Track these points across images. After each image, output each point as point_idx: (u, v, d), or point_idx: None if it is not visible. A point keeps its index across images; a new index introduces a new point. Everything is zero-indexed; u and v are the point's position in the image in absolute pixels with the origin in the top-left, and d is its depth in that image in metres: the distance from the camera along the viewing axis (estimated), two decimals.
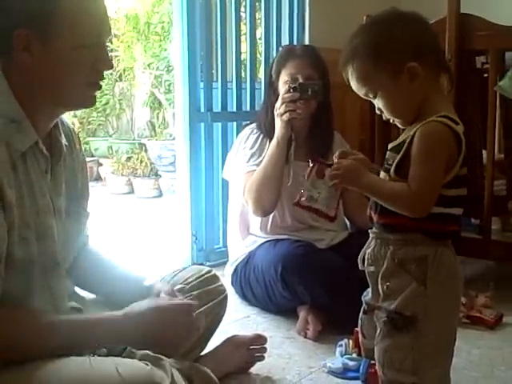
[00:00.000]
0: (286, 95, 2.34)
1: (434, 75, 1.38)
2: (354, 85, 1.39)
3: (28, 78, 1.26)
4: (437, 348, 1.38)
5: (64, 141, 1.39)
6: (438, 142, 1.30)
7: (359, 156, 1.46)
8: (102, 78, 1.33)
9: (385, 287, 1.40)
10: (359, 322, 1.50)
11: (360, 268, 1.46)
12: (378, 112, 1.41)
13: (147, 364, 1.30)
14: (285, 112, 2.34)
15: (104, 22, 1.30)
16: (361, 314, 1.49)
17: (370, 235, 1.44)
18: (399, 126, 1.42)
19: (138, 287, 1.55)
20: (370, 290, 1.47)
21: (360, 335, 1.52)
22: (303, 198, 1.62)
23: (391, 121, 1.42)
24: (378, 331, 1.40)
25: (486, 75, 2.82)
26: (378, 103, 1.38)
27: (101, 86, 1.35)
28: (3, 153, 1.20)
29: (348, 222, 2.71)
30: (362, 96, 1.40)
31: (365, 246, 1.46)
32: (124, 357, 1.43)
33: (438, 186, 1.31)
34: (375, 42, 1.35)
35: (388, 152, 1.40)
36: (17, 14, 1.22)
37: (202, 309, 1.72)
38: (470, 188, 1.40)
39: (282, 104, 2.34)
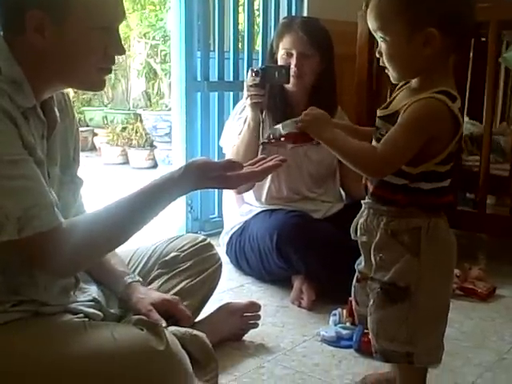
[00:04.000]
0: (248, 80, 2.33)
1: (449, 51, 1.33)
2: (369, 16, 1.33)
3: (38, 59, 1.25)
4: (430, 318, 1.38)
5: (57, 112, 1.38)
6: (427, 118, 1.28)
7: (321, 112, 1.42)
8: (113, 63, 1.33)
9: (378, 258, 1.40)
10: (352, 289, 1.51)
11: (352, 238, 1.46)
12: (377, 54, 1.36)
13: (142, 329, 1.31)
14: (247, 96, 2.33)
15: (118, 6, 1.30)
16: (354, 281, 1.50)
17: (363, 205, 1.44)
18: (391, 78, 1.37)
19: (117, 284, 1.57)
20: (362, 258, 1.47)
21: (353, 302, 1.52)
22: (266, 136, 1.53)
23: (386, 70, 1.37)
24: (372, 302, 1.41)
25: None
26: (383, 46, 1.33)
27: (111, 71, 1.34)
28: (9, 103, 1.19)
29: (343, 194, 2.71)
30: (371, 29, 1.35)
31: (357, 216, 1.45)
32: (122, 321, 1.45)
33: (405, 155, 1.29)
34: None
35: (378, 120, 1.38)
36: None
37: (196, 280, 1.74)
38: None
39: (245, 88, 2.34)
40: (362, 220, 1.43)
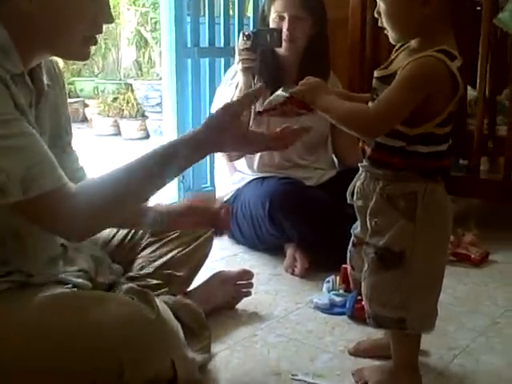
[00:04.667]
0: (239, 43, 2.28)
1: (447, 9, 1.31)
2: None
3: (24, 23, 1.20)
4: (424, 284, 1.37)
5: (46, 79, 1.34)
6: (424, 74, 1.25)
7: (316, 80, 1.40)
8: (101, 32, 1.29)
9: (373, 223, 1.38)
10: (348, 254, 1.49)
11: (349, 201, 1.44)
12: (375, 15, 1.34)
13: (132, 298, 1.29)
14: (239, 61, 2.29)
15: None
16: (350, 246, 1.48)
17: (360, 168, 1.41)
18: (390, 39, 1.35)
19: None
20: (358, 223, 1.45)
21: (349, 267, 1.51)
22: (265, 104, 1.46)
23: (385, 31, 1.35)
24: (366, 267, 1.39)
25: (478, 8, 2.75)
26: (381, 6, 1.31)
27: (97, 41, 1.30)
28: None
29: (336, 161, 2.69)
30: None
31: (354, 179, 1.43)
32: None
33: (400, 113, 1.26)
34: None
35: (375, 80, 1.35)
36: None
37: (187, 249, 1.72)
38: (455, 125, 1.36)
39: (237, 52, 2.29)
40: (358, 183, 1.41)
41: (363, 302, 1.80)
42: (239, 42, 2.27)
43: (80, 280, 1.40)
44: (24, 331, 1.19)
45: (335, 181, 2.52)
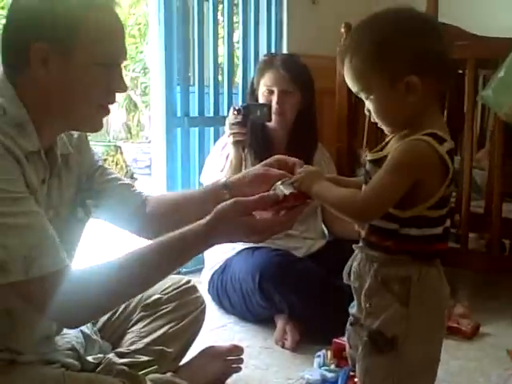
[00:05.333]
0: (230, 117, 2.32)
1: (432, 91, 1.30)
2: (348, 80, 1.32)
3: (41, 96, 1.23)
4: (419, 369, 1.33)
5: (65, 149, 1.37)
6: (411, 159, 1.24)
7: (313, 168, 1.42)
8: (114, 101, 1.32)
9: (367, 305, 1.36)
10: (346, 333, 1.47)
11: (345, 281, 1.43)
12: (366, 112, 1.35)
13: (124, 382, 1.27)
14: (230, 135, 2.32)
15: (123, 44, 1.31)
16: (347, 325, 1.46)
17: (356, 249, 1.41)
18: (385, 131, 1.37)
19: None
20: (355, 302, 1.44)
21: (347, 345, 1.49)
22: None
23: (378, 124, 1.36)
24: (360, 349, 1.37)
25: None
26: (369, 105, 1.32)
27: (109, 111, 1.33)
28: (13, 144, 1.17)
29: (326, 231, 2.69)
30: (354, 92, 1.34)
31: (350, 259, 1.42)
32: (101, 372, 1.40)
33: (389, 198, 1.26)
34: (377, 44, 1.26)
35: (368, 163, 1.36)
36: (41, 26, 1.20)
37: (179, 324, 1.70)
38: None
39: (227, 126, 2.33)
40: (355, 264, 1.40)
41: (356, 379, 1.79)
42: (229, 116, 2.31)
43: (69, 360, 1.38)
44: None
45: (325, 251, 2.53)
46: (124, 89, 1.31)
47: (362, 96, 1.32)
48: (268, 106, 2.33)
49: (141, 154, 5.57)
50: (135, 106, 6.31)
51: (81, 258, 1.47)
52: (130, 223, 1.56)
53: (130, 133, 6.37)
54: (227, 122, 2.33)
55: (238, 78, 3.39)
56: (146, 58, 5.79)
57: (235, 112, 2.27)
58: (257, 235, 1.30)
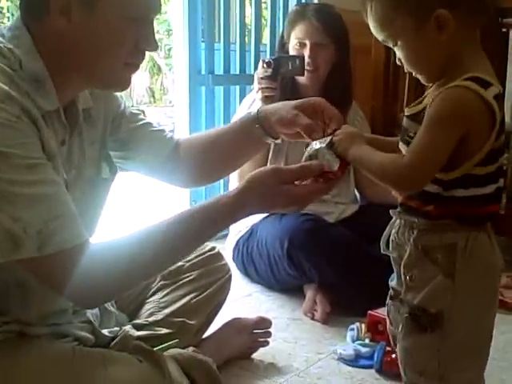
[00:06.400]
0: (259, 71, 2.15)
1: (468, 26, 1.15)
2: (372, 28, 1.19)
3: (61, 49, 1.09)
4: (466, 350, 1.19)
5: (86, 103, 1.23)
6: (455, 111, 1.09)
7: (353, 129, 1.27)
8: (143, 60, 1.17)
9: (407, 278, 1.21)
10: (386, 307, 1.33)
11: (382, 251, 1.28)
12: (398, 62, 1.21)
13: (140, 360, 1.14)
14: (258, 90, 2.15)
15: None
16: (387, 299, 1.32)
17: (394, 215, 1.26)
18: (422, 81, 1.22)
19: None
20: (395, 274, 1.29)
21: (387, 321, 1.34)
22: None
23: (413, 74, 1.22)
24: (400, 327, 1.23)
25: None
26: (399, 53, 1.18)
27: (138, 68, 1.18)
28: (30, 103, 1.03)
29: (358, 195, 2.54)
30: (381, 41, 1.20)
31: (388, 227, 1.27)
32: (116, 346, 1.28)
33: (436, 161, 1.10)
34: None
35: (405, 119, 1.20)
36: None
37: (203, 294, 1.58)
38: None
39: (256, 80, 2.16)
40: (393, 232, 1.25)
41: (393, 355, 1.65)
42: (259, 70, 2.15)
43: (83, 333, 1.26)
44: None
45: (357, 216, 2.40)
46: (155, 48, 1.16)
47: (390, 44, 1.18)
48: (301, 57, 2.16)
49: (164, 118, 5.48)
50: (159, 69, 6.19)
51: (106, 222, 1.36)
52: (162, 171, 1.45)
53: (154, 97, 6.25)
54: (256, 76, 2.17)
55: (266, 40, 3.23)
56: (169, 18, 5.62)
57: (265, 65, 2.11)
58: (297, 204, 1.18)
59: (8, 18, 8.28)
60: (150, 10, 1.13)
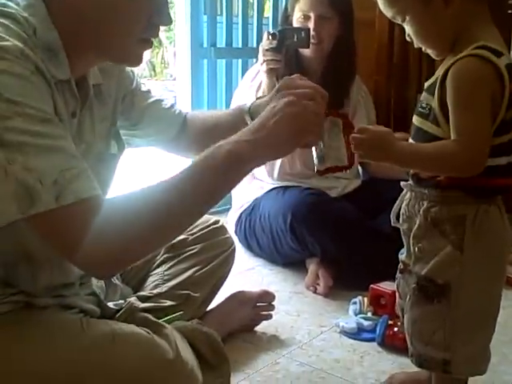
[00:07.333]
0: (264, 43, 2.12)
1: (476, 2, 1.17)
2: (381, 5, 1.21)
3: (75, 22, 1.06)
4: (473, 322, 1.21)
5: (96, 79, 1.20)
6: (476, 81, 1.10)
7: (381, 128, 1.23)
8: (157, 35, 1.14)
9: (416, 249, 1.22)
10: (395, 280, 1.33)
11: (393, 224, 1.28)
12: (407, 39, 1.23)
13: (148, 332, 1.15)
14: (263, 62, 2.12)
15: None
16: (397, 273, 1.32)
17: (405, 188, 1.26)
18: (432, 56, 1.24)
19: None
20: (405, 247, 1.29)
21: (397, 295, 1.35)
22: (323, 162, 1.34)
23: (423, 49, 1.24)
24: (408, 298, 1.24)
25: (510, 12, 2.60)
26: (408, 29, 1.20)
27: (152, 44, 1.15)
28: (44, 68, 1.00)
29: (361, 170, 2.53)
30: (390, 18, 1.23)
31: (399, 199, 1.28)
32: (121, 317, 1.28)
33: (488, 132, 1.11)
34: None
35: (424, 93, 1.21)
36: None
37: (207, 267, 1.58)
38: None
39: (261, 52, 2.13)
40: (403, 204, 1.26)
41: (395, 329, 1.66)
42: (264, 42, 2.12)
43: (89, 305, 1.26)
44: (26, 375, 1.05)
45: (360, 191, 2.40)
46: (168, 22, 1.13)
47: (399, 20, 1.21)
48: (306, 30, 2.13)
49: (165, 91, 5.42)
50: (159, 42, 6.12)
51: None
52: (170, 144, 1.47)
53: (154, 70, 6.20)
54: (260, 48, 2.14)
55: (268, 13, 3.20)
56: None
57: (270, 37, 2.08)
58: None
59: None
60: None
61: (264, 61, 2.12)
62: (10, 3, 1.05)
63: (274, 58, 2.09)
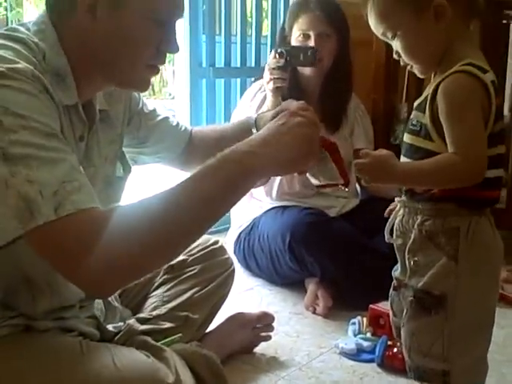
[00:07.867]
0: (271, 62, 2.12)
1: (463, 18, 1.22)
2: (372, 22, 1.24)
3: (84, 44, 1.09)
4: (470, 332, 1.22)
5: (102, 104, 1.22)
6: (468, 95, 1.14)
7: (383, 151, 1.23)
8: (164, 62, 1.16)
9: (412, 262, 1.24)
10: (389, 298, 1.34)
11: (387, 240, 1.30)
12: (395, 56, 1.26)
13: (148, 355, 1.14)
14: (270, 80, 2.13)
15: (179, 1, 1.15)
16: (391, 290, 1.33)
17: (398, 204, 1.28)
18: (418, 74, 1.27)
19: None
20: (399, 264, 1.31)
21: (390, 312, 1.36)
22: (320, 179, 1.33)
23: (409, 67, 1.27)
24: (405, 312, 1.25)
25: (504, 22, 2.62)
26: (397, 45, 1.23)
27: (159, 71, 1.18)
28: (52, 91, 1.02)
29: (359, 189, 2.54)
30: (380, 36, 1.25)
31: (392, 216, 1.29)
32: (120, 340, 1.28)
33: (485, 141, 1.14)
34: None
35: (414, 111, 1.24)
36: None
37: (206, 288, 1.57)
38: None
39: (267, 71, 2.13)
40: (397, 221, 1.27)
41: (395, 349, 1.66)
42: (270, 60, 2.13)
43: (88, 328, 1.26)
44: None
45: (358, 210, 2.40)
46: (175, 50, 1.16)
47: (388, 36, 1.23)
48: (313, 49, 2.14)
49: (164, 110, 5.42)
50: None
51: None
52: (176, 161, 1.51)
53: (153, 89, 6.21)
54: (267, 66, 2.14)
55: (267, 31, 3.22)
56: None
57: (277, 55, 2.09)
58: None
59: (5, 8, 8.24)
60: (174, 13, 1.14)
61: (270, 79, 2.12)
62: (20, 28, 1.08)
63: (280, 76, 2.10)
